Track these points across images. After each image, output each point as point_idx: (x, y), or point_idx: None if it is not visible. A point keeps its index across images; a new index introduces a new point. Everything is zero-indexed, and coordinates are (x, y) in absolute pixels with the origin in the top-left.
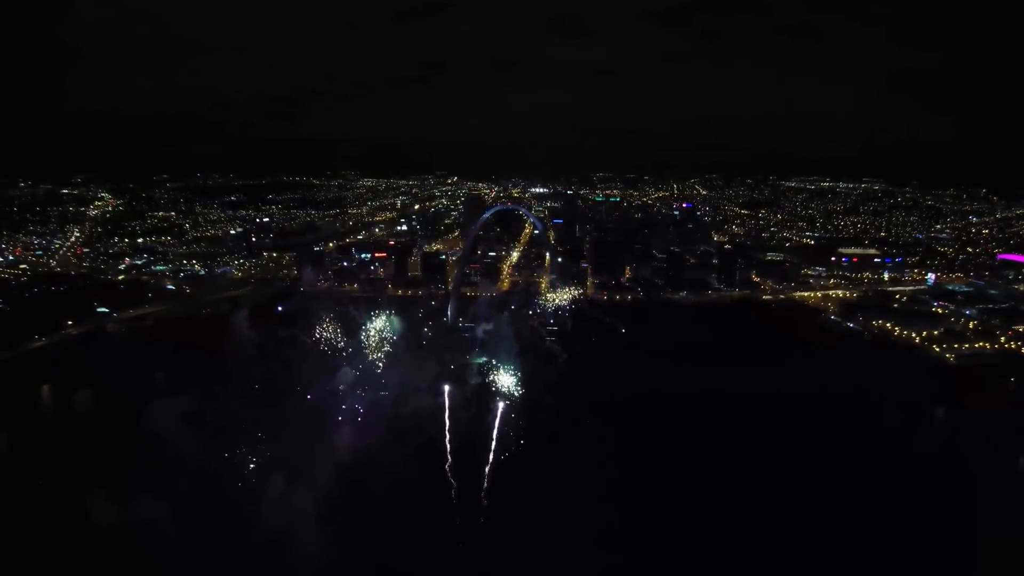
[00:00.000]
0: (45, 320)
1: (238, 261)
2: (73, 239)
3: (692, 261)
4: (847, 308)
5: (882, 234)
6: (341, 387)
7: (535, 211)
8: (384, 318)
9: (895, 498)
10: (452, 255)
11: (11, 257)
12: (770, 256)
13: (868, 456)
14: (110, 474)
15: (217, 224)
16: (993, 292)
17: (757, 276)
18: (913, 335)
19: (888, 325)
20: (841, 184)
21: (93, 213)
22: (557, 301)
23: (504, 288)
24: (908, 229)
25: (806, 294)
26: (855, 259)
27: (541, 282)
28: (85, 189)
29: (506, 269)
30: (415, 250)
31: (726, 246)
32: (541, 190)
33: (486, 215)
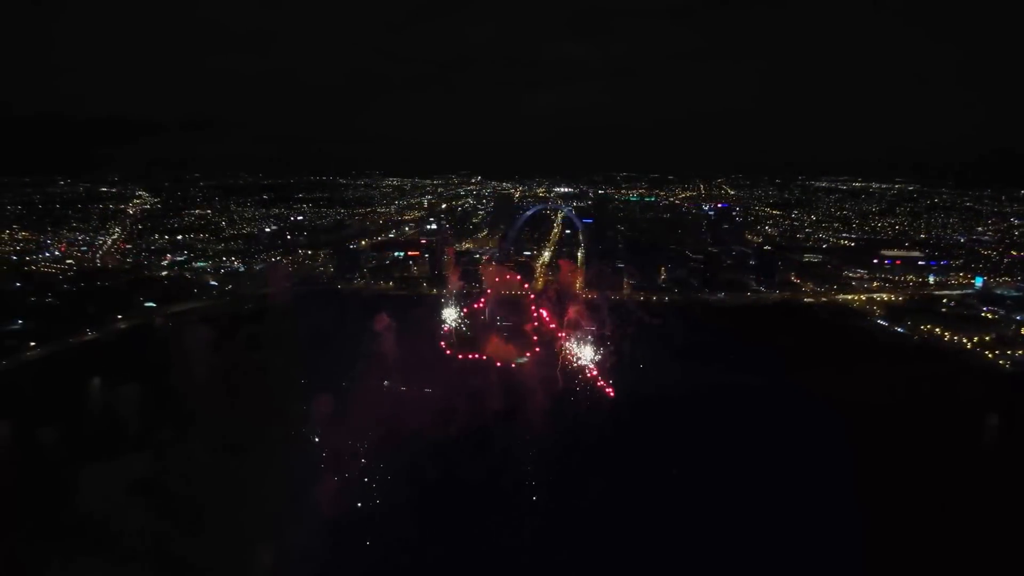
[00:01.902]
0: (94, 313)
1: (275, 258)
2: (115, 235)
3: (728, 262)
4: (893, 311)
5: (922, 236)
6: (385, 383)
7: (562, 211)
8: (421, 315)
9: (954, 505)
10: (483, 253)
11: (57, 253)
12: (808, 257)
13: (926, 463)
14: (154, 469)
15: (251, 222)
16: None
17: (796, 277)
18: (964, 340)
19: (937, 330)
20: (874, 185)
21: (132, 211)
22: (591, 300)
23: (538, 287)
24: (948, 231)
25: (849, 296)
26: (898, 261)
27: (575, 281)
28: (123, 187)
29: (539, 268)
30: (447, 249)
31: (765, 247)
32: (566, 189)
33: (527, 214)
